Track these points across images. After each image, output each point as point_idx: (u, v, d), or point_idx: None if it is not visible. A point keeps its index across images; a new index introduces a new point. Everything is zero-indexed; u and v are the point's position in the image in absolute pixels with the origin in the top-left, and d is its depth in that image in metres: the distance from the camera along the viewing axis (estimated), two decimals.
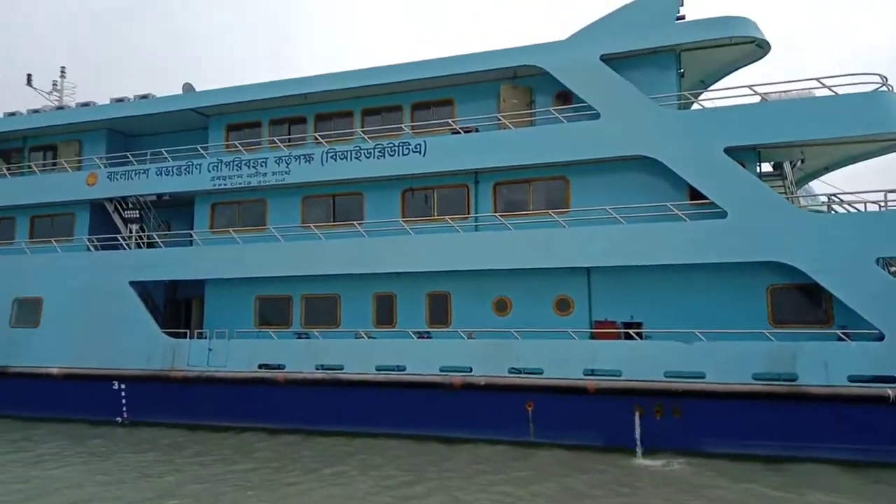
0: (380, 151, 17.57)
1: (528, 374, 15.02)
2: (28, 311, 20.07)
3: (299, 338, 17.85)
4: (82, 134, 22.37)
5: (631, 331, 14.97)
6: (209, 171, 19.26)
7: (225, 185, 19.07)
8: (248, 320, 18.68)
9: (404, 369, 15.97)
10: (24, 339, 19.84)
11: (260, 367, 17.28)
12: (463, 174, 17.29)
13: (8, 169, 22.65)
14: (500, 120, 17.08)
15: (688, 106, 16.81)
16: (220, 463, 13.90)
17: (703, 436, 13.77)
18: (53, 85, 26.15)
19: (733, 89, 15.53)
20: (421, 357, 15.92)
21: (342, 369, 16.52)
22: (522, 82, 17.55)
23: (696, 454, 13.60)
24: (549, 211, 16.08)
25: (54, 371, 19.05)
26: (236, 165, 19.01)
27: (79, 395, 18.86)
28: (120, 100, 21.69)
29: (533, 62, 16.67)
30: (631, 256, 14.91)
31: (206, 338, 18.32)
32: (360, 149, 17.78)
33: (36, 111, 22.99)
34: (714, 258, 14.45)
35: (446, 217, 16.98)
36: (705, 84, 18.25)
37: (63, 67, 26.83)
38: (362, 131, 18.58)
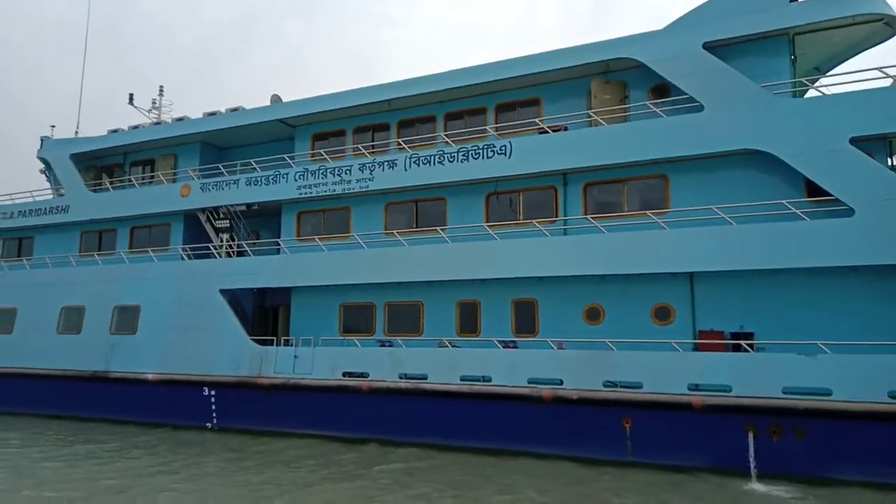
0: (463, 155, 17.02)
1: (626, 388, 13.87)
2: (127, 319, 20.85)
3: (382, 346, 17.49)
4: (177, 148, 23.26)
5: (741, 342, 13.54)
6: (295, 181, 19.39)
7: (310, 193, 19.12)
8: (332, 328, 18.54)
9: (490, 380, 15.21)
10: (124, 346, 20.60)
11: (344, 374, 17.02)
12: (551, 175, 16.44)
13: (111, 183, 23.83)
14: (590, 117, 16.14)
15: (801, 95, 15.27)
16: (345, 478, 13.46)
17: (831, 461, 12.16)
18: (153, 103, 27.44)
19: (858, 73, 13.85)
20: (508, 368, 15.10)
21: (426, 379, 15.97)
22: (615, 77, 16.56)
23: (822, 481, 12.01)
24: (647, 212, 14.91)
25: (150, 377, 19.62)
26: (321, 174, 19.03)
27: (172, 401, 19.31)
28: (212, 114, 22.38)
29: (627, 54, 15.66)
30: (742, 260, 13.51)
31: (292, 345, 18.31)
32: (444, 153, 17.31)
33: (136, 128, 24.12)
34: (840, 261, 12.84)
35: (533, 221, 16.16)
36: (820, 71, 16.55)
37: (161, 87, 28.13)
38: (446, 135, 18.12)
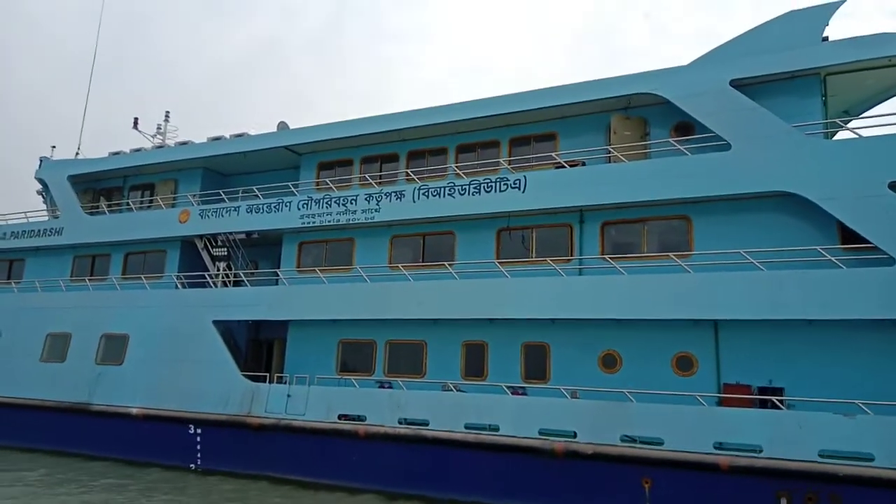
0: (475, 187, 16.26)
1: (645, 443, 12.76)
2: (114, 348, 19.81)
3: (382, 387, 16.41)
4: (178, 173, 22.60)
5: (770, 398, 12.49)
6: (298, 209, 18.62)
7: (313, 223, 18.31)
8: (329, 365, 17.49)
9: (497, 429, 14.09)
10: (109, 377, 19.51)
11: (340, 417, 15.90)
12: (566, 212, 15.65)
13: (108, 206, 23.09)
14: (610, 153, 15.43)
15: (831, 138, 14.58)
16: None
17: None
18: (157, 128, 26.91)
19: (893, 115, 13.17)
20: (517, 416, 14.01)
21: (427, 425, 14.85)
22: (636, 113, 15.91)
23: None
24: (670, 254, 14.04)
25: (134, 411, 18.48)
26: (325, 203, 18.26)
27: (155, 438, 18.13)
28: (216, 139, 21.78)
29: (650, 89, 15.04)
30: (773, 308, 12.58)
31: (285, 382, 17.23)
32: (454, 185, 16.56)
33: (137, 151, 23.50)
34: (880, 313, 11.90)
35: (547, 259, 15.27)
36: (850, 114, 15.90)
37: (167, 112, 27.65)
38: (457, 167, 17.40)
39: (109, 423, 18.85)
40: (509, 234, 16.43)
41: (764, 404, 12.57)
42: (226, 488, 15.55)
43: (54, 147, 24.76)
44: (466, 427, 14.36)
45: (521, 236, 16.38)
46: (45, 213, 24.83)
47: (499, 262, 15.82)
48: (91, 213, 22.91)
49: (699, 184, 13.96)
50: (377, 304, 16.65)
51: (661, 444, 12.58)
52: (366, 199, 17.67)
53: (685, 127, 15.33)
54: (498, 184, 15.96)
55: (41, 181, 24.43)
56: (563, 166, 15.69)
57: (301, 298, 17.71)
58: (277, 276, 18.77)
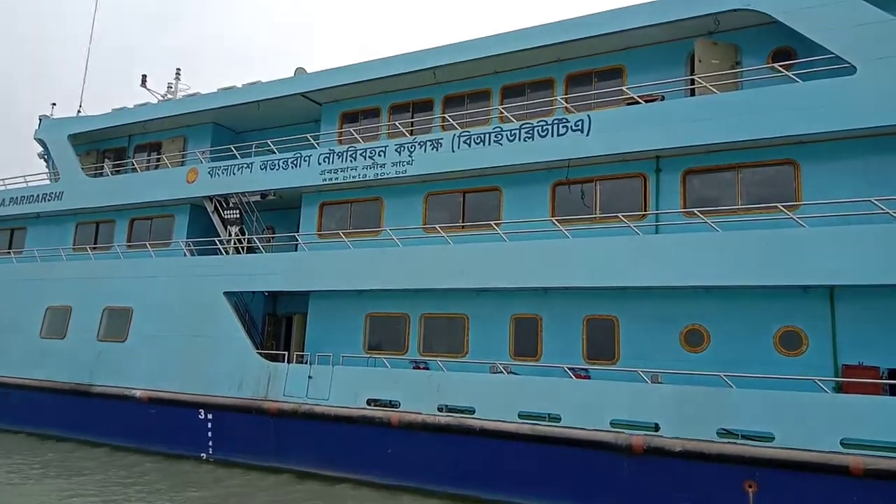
0: (527, 132, 13.66)
1: (750, 439, 10.24)
2: (116, 323, 17.79)
3: (416, 368, 14.10)
4: (187, 129, 20.36)
5: None
6: (319, 164, 16.21)
7: (336, 179, 15.90)
8: (356, 343, 15.21)
9: (559, 420, 11.68)
10: (111, 355, 17.52)
11: (369, 402, 13.64)
12: (639, 159, 13.00)
13: (113, 168, 20.98)
14: (693, 84, 12.71)
15: None
16: None
17: None
18: (168, 87, 24.65)
19: None
20: (583, 404, 11.56)
21: (473, 413, 12.50)
22: (723, 38, 13.08)
23: None
24: (777, 205, 11.33)
25: (138, 393, 16.46)
26: (350, 156, 15.82)
27: (162, 424, 16.11)
28: (227, 89, 19.41)
29: (745, 4, 12.19)
30: None
31: (306, 362, 15.02)
32: (501, 130, 13.97)
33: (142, 106, 21.28)
34: None
35: (618, 215, 12.67)
36: None
37: (178, 69, 25.35)
38: (503, 109, 14.78)
39: (112, 407, 16.89)
40: (568, 187, 13.84)
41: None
42: (233, 482, 13.45)
43: (54, 105, 22.72)
44: (521, 416, 11.97)
45: (581, 190, 13.78)
46: (46, 177, 22.86)
47: (555, 220, 13.25)
48: (93, 176, 20.84)
49: (812, 118, 11.18)
50: (410, 272, 14.24)
51: (770, 439, 10.04)
52: (396, 150, 15.18)
53: (785, 54, 12.54)
54: (555, 126, 13.33)
55: (41, 142, 22.41)
56: (637, 102, 12.97)
57: (323, 266, 15.39)
58: (296, 241, 16.46)
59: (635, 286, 12.22)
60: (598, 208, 13.48)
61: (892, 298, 10.59)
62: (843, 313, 11.04)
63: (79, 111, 22.68)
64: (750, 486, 10.05)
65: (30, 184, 22.11)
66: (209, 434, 15.49)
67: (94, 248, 20.05)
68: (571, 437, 11.31)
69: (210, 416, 15.49)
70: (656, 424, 10.92)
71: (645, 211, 12.88)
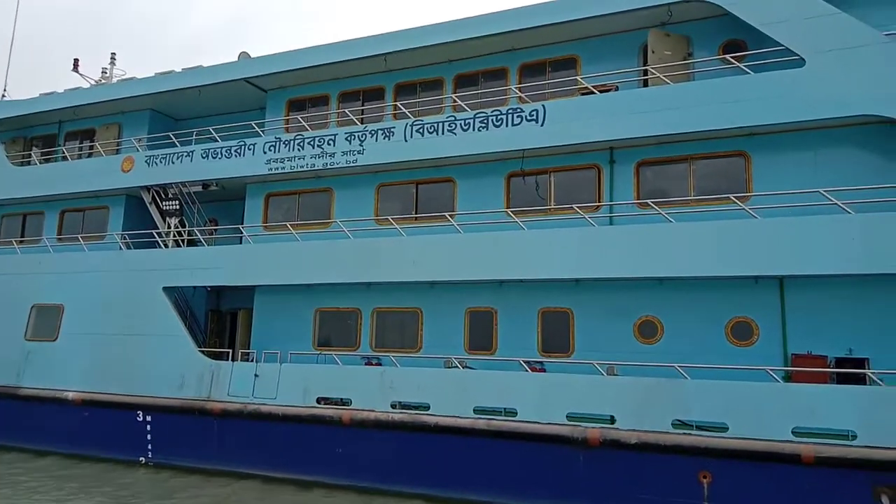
0: (481, 122, 13.36)
1: (704, 430, 10.26)
2: (46, 321, 16.68)
3: (369, 364, 13.68)
4: (123, 116, 19.19)
5: (853, 370, 10.06)
6: (264, 153, 15.52)
7: (283, 168, 15.25)
8: (305, 339, 14.65)
9: (515, 414, 11.47)
10: (41, 355, 16.42)
11: (319, 401, 13.14)
12: (593, 150, 12.88)
13: (41, 157, 19.65)
14: (646, 75, 12.67)
15: None
16: None
17: None
18: (102, 72, 23.28)
19: None
20: (539, 398, 11.39)
21: (427, 409, 12.18)
22: (677, 30, 13.07)
23: None
24: (730, 196, 11.37)
25: (70, 395, 15.47)
26: (298, 145, 15.19)
27: (97, 427, 15.20)
28: (166, 74, 18.39)
29: None
30: (864, 261, 10.04)
31: (252, 360, 14.38)
32: (455, 120, 13.63)
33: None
34: None
35: (573, 206, 12.53)
36: None
37: (113, 53, 23.96)
38: (456, 98, 14.44)
39: (42, 410, 15.85)
40: (523, 179, 13.62)
41: (844, 380, 10.15)
42: (174, 485, 12.75)
43: None
44: (476, 412, 11.72)
45: (536, 182, 13.59)
46: None
47: (510, 212, 13.02)
48: (19, 165, 19.47)
49: (763, 109, 11.25)
50: (362, 265, 13.79)
51: (724, 430, 10.08)
52: (346, 138, 14.65)
53: (737, 46, 12.59)
54: (510, 116, 13.07)
55: None
56: (592, 93, 12.83)
57: (269, 260, 14.75)
58: (241, 234, 15.73)
59: (590, 278, 12.13)
60: (552, 200, 13.32)
61: (839, 288, 10.77)
62: (792, 303, 11.18)
63: (3, 95, 21.18)
64: (704, 477, 10.08)
65: None
66: (148, 437, 14.69)
67: (22, 241, 18.76)
68: (527, 432, 11.13)
69: (149, 419, 14.69)
70: (612, 417, 10.84)
71: (599, 202, 12.77)
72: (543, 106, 12.83)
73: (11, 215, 19.55)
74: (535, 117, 12.83)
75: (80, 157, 19.42)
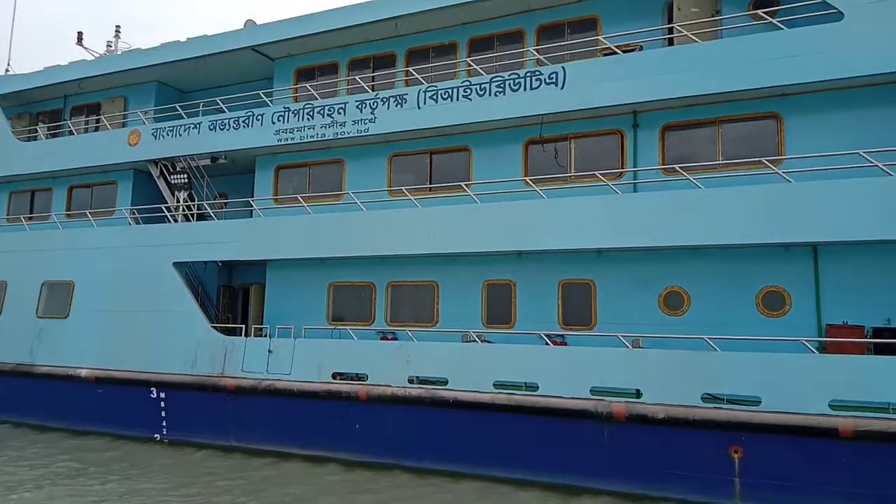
0: (497, 86, 12.80)
1: (735, 404, 9.86)
2: (57, 298, 16.48)
3: (384, 339, 13.36)
4: (128, 89, 18.75)
5: (890, 341, 9.59)
6: (273, 123, 15.05)
7: (293, 139, 14.79)
8: (319, 314, 14.35)
9: (536, 388, 11.13)
10: (52, 332, 16.26)
11: (335, 376, 12.87)
12: (616, 114, 12.31)
13: (48, 132, 19.29)
14: (672, 33, 12.03)
15: None
16: None
17: None
18: (107, 46, 22.78)
19: None
20: (561, 372, 11.02)
21: (446, 384, 11.86)
22: None
23: None
24: (762, 159, 10.80)
25: (83, 373, 15.31)
26: (307, 114, 14.70)
27: (111, 404, 15.07)
28: (171, 44, 17.87)
29: None
30: None
31: (266, 335, 14.12)
32: (470, 85, 13.07)
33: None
34: None
35: (595, 173, 12.02)
36: None
37: (118, 26, 23.44)
38: (470, 62, 13.85)
39: (56, 387, 15.73)
40: (542, 146, 13.08)
41: (882, 350, 9.69)
42: (188, 459, 12.58)
43: None
44: (496, 386, 11.39)
45: (555, 149, 13.05)
46: None
47: (529, 180, 12.51)
48: (26, 141, 19.15)
49: (798, 67, 10.62)
50: (375, 237, 13.40)
51: (756, 403, 9.67)
52: (357, 106, 14.14)
53: (768, 1, 11.90)
54: (528, 79, 12.50)
55: None
56: (614, 53, 12.19)
57: (281, 233, 14.39)
58: (251, 207, 15.36)
59: (612, 248, 11.67)
60: (573, 167, 12.79)
61: (877, 255, 10.26)
62: (826, 271, 10.68)
63: (7, 70, 20.80)
64: (736, 452, 9.71)
65: None
66: (162, 414, 14.52)
67: (31, 218, 18.52)
68: (550, 407, 10.78)
69: (163, 395, 14.51)
70: (638, 391, 10.46)
71: (622, 168, 12.24)
72: (563, 68, 12.24)
73: (20, 192, 19.29)
74: (554, 80, 12.25)
75: (86, 131, 19.04)
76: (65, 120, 19.53)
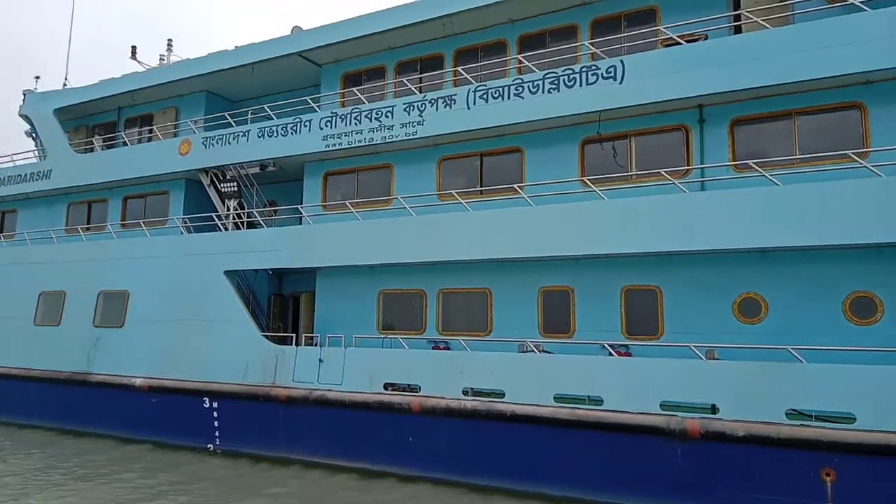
0: (552, 83, 12.21)
1: (825, 421, 9.00)
2: (113, 307, 16.65)
3: (436, 348, 12.91)
4: (179, 100, 18.95)
5: None
6: (321, 129, 14.83)
7: (340, 144, 14.53)
8: (369, 322, 14.02)
9: (600, 402, 10.46)
10: (108, 341, 16.43)
11: (386, 387, 12.48)
12: (680, 108, 11.56)
13: (103, 144, 19.64)
14: (739, 21, 11.21)
15: None
16: None
17: None
18: (160, 59, 23.17)
19: None
20: (628, 385, 10.33)
21: (502, 396, 11.32)
22: None
23: None
24: (849, 152, 9.89)
25: (138, 382, 15.38)
26: (355, 119, 14.42)
27: (164, 413, 15.07)
28: (220, 53, 17.92)
29: None
30: None
31: (316, 344, 13.86)
32: (523, 82, 12.52)
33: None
34: None
35: (660, 171, 11.29)
36: None
37: (170, 39, 23.84)
38: (522, 59, 13.30)
39: (112, 396, 15.85)
40: (600, 144, 12.42)
41: None
42: (227, 472, 12.36)
43: (38, 78, 21.26)
44: (557, 399, 10.77)
45: (613, 148, 12.37)
46: (34, 156, 21.55)
47: (587, 180, 11.87)
48: (82, 153, 19.54)
49: (885, 51, 9.67)
50: (425, 243, 12.97)
51: (850, 421, 8.79)
52: (405, 109, 13.77)
53: None
54: (584, 74, 11.87)
55: (26, 118, 21.04)
56: (678, 42, 11.44)
57: (330, 240, 14.12)
58: (300, 215, 15.17)
59: (680, 251, 10.89)
60: (633, 166, 12.08)
61: None
62: None
63: (64, 84, 21.31)
64: (828, 475, 8.84)
65: (17, 163, 20.82)
66: (215, 424, 14.42)
67: (88, 229, 18.86)
68: (616, 422, 10.10)
69: (215, 405, 14.41)
70: (713, 406, 9.69)
71: (687, 166, 11.47)
72: (622, 61, 11.56)
73: (77, 203, 19.67)
74: (612, 74, 11.58)
75: (139, 142, 19.30)
76: (119, 132, 19.85)
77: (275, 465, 13.21)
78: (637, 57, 11.57)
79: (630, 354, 11.13)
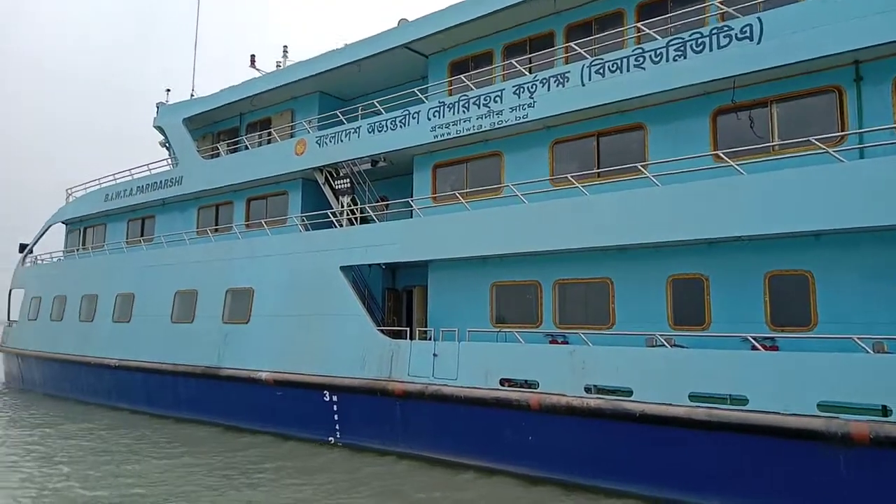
0: (677, 49, 11.10)
1: None
2: (239, 304, 17.41)
3: (553, 342, 12.20)
4: (294, 102, 19.55)
5: None
6: (429, 120, 14.57)
7: (449, 134, 14.18)
8: (482, 316, 13.57)
9: (744, 402, 9.32)
10: (236, 337, 17.19)
11: (503, 382, 11.97)
12: (830, 67, 10.08)
13: (228, 148, 20.68)
14: None
15: None
16: None
17: None
18: (277, 65, 24.11)
19: None
20: (775, 383, 9.11)
21: (630, 395, 10.43)
22: None
23: None
24: None
25: (263, 376, 15.93)
26: (462, 106, 14.02)
27: (288, 406, 15.49)
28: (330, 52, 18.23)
29: None
30: None
31: (430, 338, 13.62)
32: (643, 52, 11.50)
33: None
34: None
35: (809, 139, 9.90)
36: None
37: (285, 46, 24.76)
38: (641, 27, 12.25)
39: (240, 390, 16.54)
40: (736, 113, 11.15)
41: None
42: (340, 465, 12.33)
43: (169, 90, 22.83)
44: (692, 398, 9.74)
45: (750, 117, 11.05)
46: (167, 164, 23.16)
47: (721, 154, 10.66)
48: (209, 158, 20.68)
49: None
50: (539, 232, 12.29)
51: None
52: (514, 92, 13.16)
53: None
54: (714, 37, 10.67)
55: (160, 129, 22.64)
56: None
57: (441, 232, 13.82)
58: (411, 208, 15.01)
59: (837, 229, 9.47)
60: (775, 136, 10.71)
61: None
62: None
63: (191, 94, 22.69)
64: None
65: (152, 171, 22.45)
66: (335, 417, 14.61)
67: (216, 230, 19.92)
68: (764, 424, 8.94)
69: (335, 398, 14.59)
70: (884, 407, 8.29)
71: (841, 131, 9.96)
72: (759, 18, 10.25)
73: (206, 206, 20.84)
74: (748, 34, 10.31)
75: (259, 145, 20.11)
76: (241, 136, 20.80)
77: (385, 458, 13.09)
78: (777, 12, 10.22)
79: (777, 348, 9.86)
